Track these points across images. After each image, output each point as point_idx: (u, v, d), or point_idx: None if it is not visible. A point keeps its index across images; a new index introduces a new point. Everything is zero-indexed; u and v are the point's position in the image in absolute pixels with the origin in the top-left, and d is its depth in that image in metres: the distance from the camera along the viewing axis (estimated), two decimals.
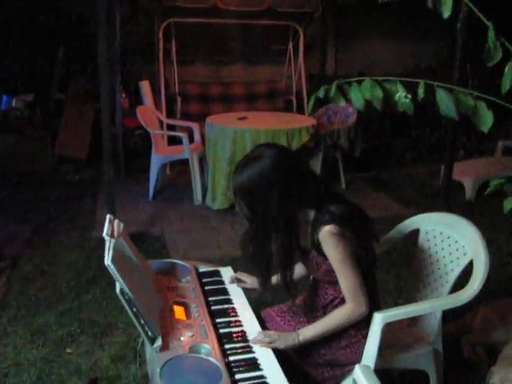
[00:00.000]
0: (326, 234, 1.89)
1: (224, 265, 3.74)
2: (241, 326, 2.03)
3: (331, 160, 5.75)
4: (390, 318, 2.02)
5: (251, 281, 2.34)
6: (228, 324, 2.03)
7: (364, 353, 2.03)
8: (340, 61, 7.81)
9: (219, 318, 2.07)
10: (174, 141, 5.84)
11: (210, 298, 2.21)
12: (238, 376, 1.72)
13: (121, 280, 1.70)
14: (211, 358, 1.74)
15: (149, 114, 5.44)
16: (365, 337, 2.06)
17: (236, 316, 2.10)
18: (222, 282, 2.37)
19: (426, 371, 2.28)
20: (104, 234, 1.90)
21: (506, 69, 1.63)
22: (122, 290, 1.71)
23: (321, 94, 1.66)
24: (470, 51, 5.10)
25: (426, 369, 2.27)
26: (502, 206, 1.72)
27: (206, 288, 2.30)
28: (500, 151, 6.10)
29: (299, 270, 2.32)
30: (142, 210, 5.04)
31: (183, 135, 5.13)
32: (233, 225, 4.79)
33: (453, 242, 2.32)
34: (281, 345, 1.92)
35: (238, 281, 2.36)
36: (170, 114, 6.27)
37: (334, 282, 2.02)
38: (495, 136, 6.88)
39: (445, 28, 7.56)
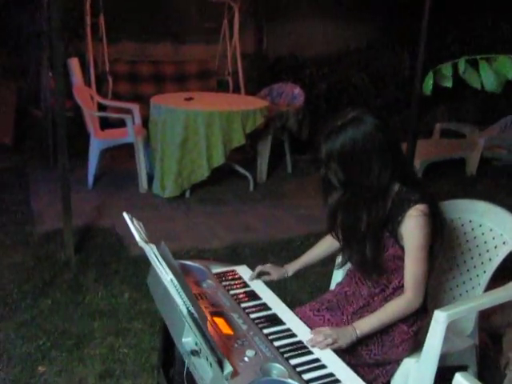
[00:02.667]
0: (419, 213, 1.75)
1: (191, 257, 3.50)
2: (294, 335, 1.78)
3: (278, 143, 5.55)
4: (455, 315, 1.86)
5: (278, 272, 2.12)
6: (279, 334, 1.77)
7: (424, 353, 1.87)
8: (270, 41, 7.60)
9: (266, 328, 1.80)
10: (106, 124, 5.35)
11: (243, 305, 1.94)
12: None
13: (188, 301, 1.38)
14: (291, 381, 1.49)
15: (85, 94, 4.93)
16: (416, 333, 1.92)
17: (282, 324, 1.84)
18: (245, 284, 2.10)
19: (467, 366, 2.16)
20: (138, 241, 1.56)
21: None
22: (189, 311, 1.39)
23: (448, 71, 1.42)
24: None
25: (468, 364, 2.15)
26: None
27: (232, 292, 2.02)
28: (438, 133, 6.21)
29: (325, 246, 2.16)
30: (82, 200, 4.54)
31: (127, 117, 4.70)
32: (187, 213, 4.47)
33: (487, 231, 2.21)
34: (343, 344, 1.72)
35: (262, 274, 2.11)
36: (100, 94, 5.76)
37: (392, 271, 1.87)
38: (426, 119, 7.05)
39: (375, 9, 7.62)
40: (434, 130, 6.30)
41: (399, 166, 1.80)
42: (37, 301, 3.08)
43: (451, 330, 2.17)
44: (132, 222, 1.69)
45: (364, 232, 1.81)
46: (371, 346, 1.88)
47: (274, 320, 1.86)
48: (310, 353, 1.68)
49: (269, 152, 5.27)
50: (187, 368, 1.73)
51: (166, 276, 1.40)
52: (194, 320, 1.40)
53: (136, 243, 1.63)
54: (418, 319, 1.92)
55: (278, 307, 1.95)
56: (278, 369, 1.54)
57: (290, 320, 1.87)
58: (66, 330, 2.84)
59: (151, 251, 1.51)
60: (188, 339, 1.70)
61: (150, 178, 4.85)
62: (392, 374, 1.96)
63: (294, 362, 1.62)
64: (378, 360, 1.90)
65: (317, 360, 1.65)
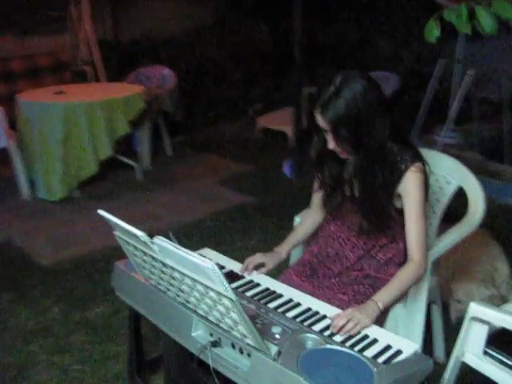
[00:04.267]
0: (418, 170, 1.78)
1: (108, 258, 3.29)
2: (299, 304, 1.75)
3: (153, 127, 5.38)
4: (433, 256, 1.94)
5: (272, 259, 2.03)
6: (286, 306, 1.74)
7: (412, 296, 1.95)
8: (125, 26, 7.27)
9: (269, 302, 1.75)
10: None
11: (233, 285, 1.87)
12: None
13: (227, 285, 1.29)
14: (347, 350, 1.46)
15: None
16: None
17: (281, 296, 1.80)
18: (238, 276, 1.98)
19: (434, 301, 2.29)
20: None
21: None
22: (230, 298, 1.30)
23: (451, 17, 1.43)
24: None
25: (435, 300, 2.29)
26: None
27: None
28: (306, 98, 6.42)
29: (310, 222, 2.13)
30: None
31: None
32: (83, 213, 4.17)
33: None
34: (368, 321, 1.64)
35: (256, 268, 2.00)
36: None
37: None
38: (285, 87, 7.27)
39: None
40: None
41: (395, 123, 1.81)
42: None
43: None
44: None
45: (381, 192, 1.81)
46: (364, 301, 1.89)
47: (272, 293, 1.82)
48: (324, 317, 1.67)
49: (149, 137, 5.09)
50: (199, 362, 1.64)
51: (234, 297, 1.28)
52: (236, 307, 1.31)
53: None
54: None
55: (267, 281, 1.91)
56: (311, 338, 1.51)
57: (286, 290, 1.84)
58: (0, 362, 2.52)
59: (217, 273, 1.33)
60: (198, 332, 1.61)
61: (32, 183, 4.43)
62: (382, 323, 2.00)
63: (316, 328, 1.60)
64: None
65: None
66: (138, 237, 1.45)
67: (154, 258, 1.53)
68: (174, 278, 1.51)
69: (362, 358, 1.42)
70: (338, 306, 1.81)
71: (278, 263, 2.05)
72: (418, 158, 1.82)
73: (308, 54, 7.26)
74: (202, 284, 1.35)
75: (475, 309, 1.62)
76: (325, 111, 1.71)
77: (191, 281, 1.40)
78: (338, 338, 1.55)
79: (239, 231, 3.84)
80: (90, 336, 2.68)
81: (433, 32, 1.47)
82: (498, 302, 2.61)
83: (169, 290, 1.65)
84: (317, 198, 2.11)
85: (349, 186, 1.92)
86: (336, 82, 1.72)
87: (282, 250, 2.09)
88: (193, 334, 1.61)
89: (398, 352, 1.49)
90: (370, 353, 1.48)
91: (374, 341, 1.55)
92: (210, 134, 6.34)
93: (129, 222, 1.49)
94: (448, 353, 2.10)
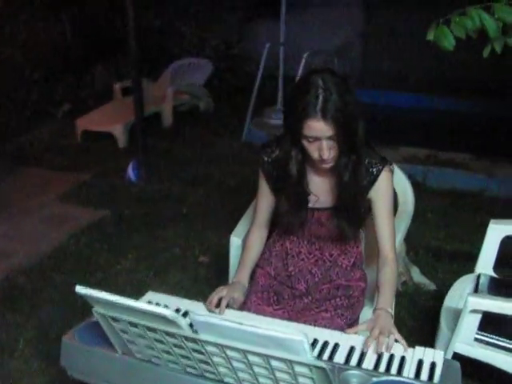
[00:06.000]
0: (389, 171, 1.77)
1: None
2: (327, 343, 1.60)
3: None
4: None
5: (238, 291, 1.84)
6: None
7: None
8: None
9: None
10: None
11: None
12: None
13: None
14: (404, 379, 1.38)
15: None
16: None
17: None
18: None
19: None
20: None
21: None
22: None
23: (431, 37, 1.38)
24: None
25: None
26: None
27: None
28: (119, 93, 6.04)
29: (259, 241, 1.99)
30: None
31: None
32: None
33: None
34: (395, 332, 1.59)
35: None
36: None
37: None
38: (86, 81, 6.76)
39: None
40: (113, 91, 6.11)
41: None
42: None
43: None
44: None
45: (360, 195, 1.76)
46: (345, 313, 1.85)
47: None
48: (337, 345, 1.58)
49: None
50: None
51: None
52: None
53: None
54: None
55: (250, 318, 1.73)
56: (354, 375, 1.40)
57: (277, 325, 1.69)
58: None
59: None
60: None
61: None
62: None
63: (339, 359, 1.50)
64: (352, 320, 1.88)
65: (352, 348, 1.56)
66: (164, 317, 1.17)
67: (168, 335, 1.26)
68: (203, 353, 1.26)
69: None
70: (324, 327, 1.74)
71: (244, 294, 1.88)
72: (385, 159, 1.80)
73: (109, 45, 6.87)
74: (273, 358, 1.14)
75: (473, 301, 1.66)
76: (326, 113, 1.59)
77: (251, 355, 1.17)
78: (366, 365, 1.47)
79: (110, 251, 3.48)
80: None
81: (449, 40, 1.42)
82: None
83: (170, 361, 1.39)
84: (263, 214, 1.97)
85: (317, 197, 1.81)
86: (319, 85, 1.61)
87: (242, 279, 1.90)
88: None
89: (433, 364, 1.47)
90: (411, 374, 1.43)
91: (403, 359, 1.50)
92: (19, 143, 5.60)
93: None
94: None
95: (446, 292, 2.20)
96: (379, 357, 1.51)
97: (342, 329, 1.74)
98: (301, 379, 1.18)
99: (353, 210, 1.78)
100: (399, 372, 1.44)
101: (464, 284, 2.14)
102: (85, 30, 6.66)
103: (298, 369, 1.14)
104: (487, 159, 4.22)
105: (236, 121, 5.92)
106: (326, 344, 1.58)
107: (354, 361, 1.50)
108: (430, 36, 1.47)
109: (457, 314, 1.96)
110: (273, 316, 1.80)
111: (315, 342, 1.59)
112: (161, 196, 4.28)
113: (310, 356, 1.10)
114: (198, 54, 6.82)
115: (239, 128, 5.61)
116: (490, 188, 3.93)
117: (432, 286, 2.87)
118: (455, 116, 5.57)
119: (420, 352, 1.53)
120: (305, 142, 1.67)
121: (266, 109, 5.60)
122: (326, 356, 1.52)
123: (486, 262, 2.16)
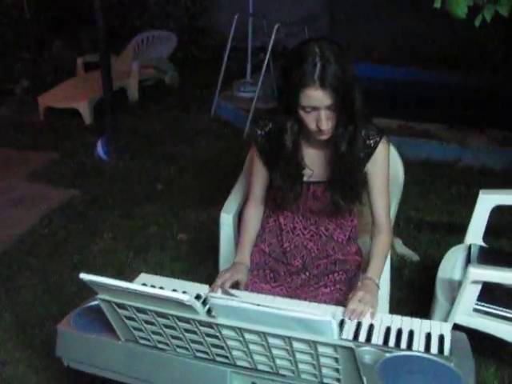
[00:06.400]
0: (386, 143, 1.74)
1: None
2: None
3: None
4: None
5: (242, 272, 1.79)
6: None
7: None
8: None
9: None
10: None
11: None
12: None
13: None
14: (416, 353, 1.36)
15: None
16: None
17: None
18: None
19: None
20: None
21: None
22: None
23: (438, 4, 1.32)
24: None
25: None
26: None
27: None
28: (82, 68, 5.83)
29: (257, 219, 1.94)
30: None
31: None
32: None
33: None
34: (375, 302, 1.62)
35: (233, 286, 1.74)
36: None
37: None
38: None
39: None
40: (76, 66, 5.89)
41: None
42: None
43: None
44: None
45: (358, 167, 1.72)
46: (343, 288, 1.83)
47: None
48: (343, 322, 1.56)
49: None
50: None
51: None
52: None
53: None
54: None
55: (252, 298, 1.69)
56: (366, 352, 1.38)
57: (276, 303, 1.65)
58: None
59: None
60: None
61: None
62: None
63: (347, 336, 1.48)
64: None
65: (359, 324, 1.54)
66: (181, 302, 1.12)
67: (180, 320, 1.21)
68: (218, 338, 1.21)
69: (435, 358, 1.35)
70: (324, 302, 1.73)
71: (247, 274, 1.83)
72: (382, 130, 1.77)
73: (68, 19, 6.61)
74: (296, 339, 1.10)
75: (475, 272, 1.66)
76: (325, 82, 1.53)
77: (271, 337, 1.13)
78: (375, 340, 1.46)
79: (85, 232, 3.38)
80: None
81: (462, 7, 1.38)
82: None
83: (179, 347, 1.34)
84: (258, 190, 1.91)
85: (312, 170, 1.77)
86: (316, 52, 1.55)
87: (243, 259, 1.85)
88: None
89: (442, 337, 1.46)
90: (421, 347, 1.42)
91: (412, 333, 1.49)
92: None
93: None
94: None
95: (430, 263, 2.21)
96: (387, 331, 1.50)
97: (342, 304, 1.72)
98: (323, 359, 1.15)
99: (349, 183, 1.74)
100: (409, 346, 1.43)
101: (455, 254, 2.15)
102: (43, 4, 6.36)
103: (321, 349, 1.11)
104: (460, 130, 4.25)
105: (203, 95, 5.81)
106: None
107: (362, 337, 1.49)
108: (438, 3, 1.42)
109: (452, 285, 1.98)
110: (271, 294, 1.77)
111: None
112: (133, 173, 4.17)
113: (337, 336, 1.07)
114: (161, 26, 6.63)
115: (207, 102, 5.50)
116: (464, 158, 3.97)
117: (415, 257, 2.88)
118: (423, 87, 5.59)
119: (426, 325, 1.52)
120: (301, 113, 1.61)
121: (235, 82, 5.50)
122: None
123: (475, 232, 2.17)
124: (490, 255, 2.09)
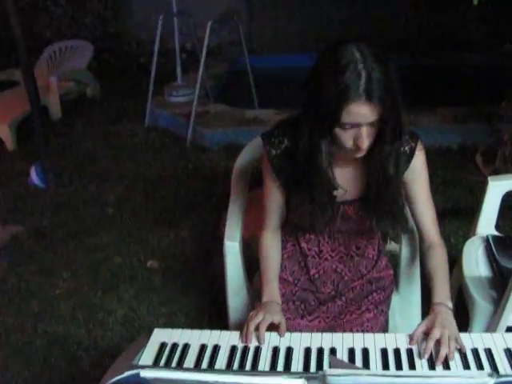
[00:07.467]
0: (422, 148, 1.55)
1: None
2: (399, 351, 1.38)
3: None
4: None
5: (276, 312, 1.50)
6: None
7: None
8: None
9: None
10: None
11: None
12: None
13: None
14: None
15: None
16: None
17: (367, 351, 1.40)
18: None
19: None
20: None
21: None
22: None
23: None
24: None
25: None
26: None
27: None
28: None
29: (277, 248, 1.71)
30: None
31: None
32: None
33: None
34: (456, 331, 1.37)
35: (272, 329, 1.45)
36: None
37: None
38: None
39: None
40: None
41: None
42: None
43: None
44: None
45: (395, 181, 1.52)
46: (384, 308, 1.67)
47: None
48: (411, 351, 1.38)
49: None
50: None
51: None
52: None
53: None
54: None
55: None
56: None
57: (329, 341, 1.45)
58: None
59: None
60: None
61: None
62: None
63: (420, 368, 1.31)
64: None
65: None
66: None
67: None
68: None
69: None
70: (372, 329, 1.55)
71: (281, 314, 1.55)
72: (415, 134, 1.57)
73: None
74: None
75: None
76: (372, 94, 1.29)
77: None
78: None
79: (39, 274, 3.01)
80: None
81: None
82: None
83: None
84: (276, 216, 1.68)
85: (346, 190, 1.56)
86: (357, 59, 1.30)
87: (273, 296, 1.57)
88: None
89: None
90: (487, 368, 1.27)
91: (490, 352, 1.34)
92: None
93: None
94: None
95: None
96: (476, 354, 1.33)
97: (384, 328, 1.55)
98: None
99: (385, 199, 1.54)
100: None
101: (474, 248, 2.04)
102: None
103: None
104: (412, 111, 4.20)
105: (129, 104, 5.47)
106: (397, 351, 1.37)
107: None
108: None
109: (483, 283, 1.87)
110: (309, 329, 1.57)
111: (385, 351, 1.38)
112: (77, 199, 3.80)
113: None
114: (72, 35, 6.18)
115: (137, 112, 5.17)
116: None
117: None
118: None
119: (477, 339, 1.37)
120: (338, 130, 1.38)
121: (166, 86, 5.19)
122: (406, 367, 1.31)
123: (487, 222, 2.08)
124: (508, 245, 1.99)
